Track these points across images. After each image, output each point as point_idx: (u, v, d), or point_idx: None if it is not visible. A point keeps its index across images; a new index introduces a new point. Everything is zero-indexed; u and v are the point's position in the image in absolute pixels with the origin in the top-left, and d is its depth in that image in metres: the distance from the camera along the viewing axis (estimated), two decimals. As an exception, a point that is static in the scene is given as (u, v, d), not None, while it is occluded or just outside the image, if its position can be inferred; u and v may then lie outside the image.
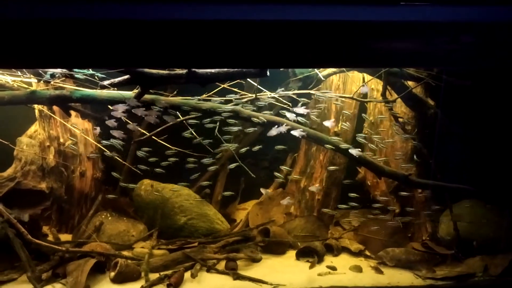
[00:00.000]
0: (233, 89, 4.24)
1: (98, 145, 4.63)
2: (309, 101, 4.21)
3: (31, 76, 4.13)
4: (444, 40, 2.77)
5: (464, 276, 4.04)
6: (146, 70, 3.57)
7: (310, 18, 2.67)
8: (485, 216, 4.52)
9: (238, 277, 3.95)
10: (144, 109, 3.79)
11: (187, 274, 3.93)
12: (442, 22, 2.73)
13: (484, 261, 4.20)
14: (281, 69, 4.39)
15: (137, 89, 3.90)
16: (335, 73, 4.58)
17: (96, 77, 3.82)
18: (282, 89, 4.20)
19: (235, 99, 4.15)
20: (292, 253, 4.53)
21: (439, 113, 4.47)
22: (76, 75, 3.77)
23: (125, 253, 4.27)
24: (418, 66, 3.93)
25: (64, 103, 4.15)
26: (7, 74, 4.14)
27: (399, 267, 4.25)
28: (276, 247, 4.55)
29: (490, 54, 2.80)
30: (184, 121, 4.08)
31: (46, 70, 3.78)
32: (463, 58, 2.80)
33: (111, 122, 3.76)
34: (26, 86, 4.25)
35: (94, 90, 4.00)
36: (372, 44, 2.78)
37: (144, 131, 4.24)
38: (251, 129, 4.22)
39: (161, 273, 3.89)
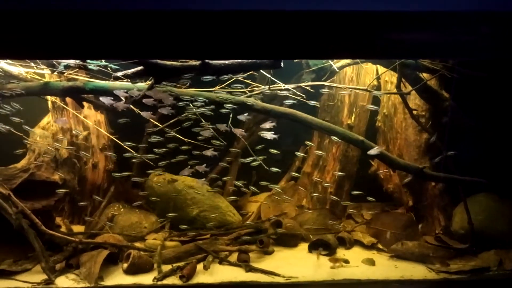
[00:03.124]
0: (246, 80, 4.21)
1: (111, 136, 4.63)
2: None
3: (44, 67, 4.13)
4: (463, 31, 2.72)
5: (478, 270, 4.01)
6: (160, 61, 3.55)
7: (325, 8, 2.63)
8: (499, 209, 4.47)
9: (250, 269, 3.94)
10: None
11: (200, 266, 3.94)
12: (460, 12, 2.68)
13: (498, 255, 4.16)
14: (294, 61, 4.35)
15: (150, 81, 3.89)
16: (349, 64, 4.53)
17: (109, 68, 3.81)
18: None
19: (248, 90, 4.14)
20: (304, 246, 4.52)
21: (453, 105, 4.41)
22: (89, 66, 3.75)
23: (138, 244, 4.28)
24: (436, 57, 3.87)
25: (77, 94, 4.15)
26: (20, 65, 4.14)
27: (412, 260, 4.22)
28: (288, 240, 4.55)
29: (509, 44, 2.74)
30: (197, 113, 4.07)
31: (60, 61, 3.78)
32: (482, 48, 2.75)
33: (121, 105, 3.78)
34: (39, 77, 4.26)
35: (107, 82, 3.99)
36: (389, 35, 2.73)
37: (157, 123, 4.22)
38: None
39: (174, 265, 3.90)
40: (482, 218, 4.41)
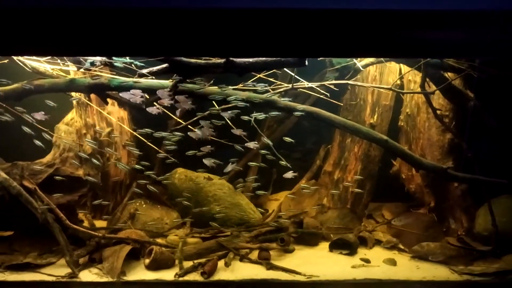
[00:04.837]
0: (269, 78, 4.20)
1: (134, 133, 4.67)
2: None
3: (70, 64, 4.18)
4: (491, 30, 2.68)
5: (502, 272, 3.95)
6: (184, 59, 3.56)
7: (350, 6, 2.62)
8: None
9: (271, 267, 3.95)
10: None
11: (221, 263, 3.96)
12: (489, 11, 2.64)
13: (523, 258, 4.10)
14: (318, 59, 4.33)
15: (174, 78, 3.90)
16: (373, 63, 4.49)
17: (134, 65, 3.84)
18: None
19: (271, 88, 4.12)
20: (325, 245, 4.51)
21: (477, 104, 4.35)
22: (115, 63, 3.79)
23: (159, 240, 4.32)
24: (464, 57, 3.81)
25: (102, 91, 4.19)
26: (46, 62, 4.20)
27: (434, 261, 4.18)
28: (309, 239, 4.54)
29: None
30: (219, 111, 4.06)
31: (87, 58, 3.82)
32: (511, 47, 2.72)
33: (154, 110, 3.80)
34: (64, 74, 4.32)
35: (132, 79, 4.02)
36: (417, 34, 2.72)
37: (180, 120, 4.23)
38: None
39: (195, 261, 3.93)
40: (506, 220, 4.34)
